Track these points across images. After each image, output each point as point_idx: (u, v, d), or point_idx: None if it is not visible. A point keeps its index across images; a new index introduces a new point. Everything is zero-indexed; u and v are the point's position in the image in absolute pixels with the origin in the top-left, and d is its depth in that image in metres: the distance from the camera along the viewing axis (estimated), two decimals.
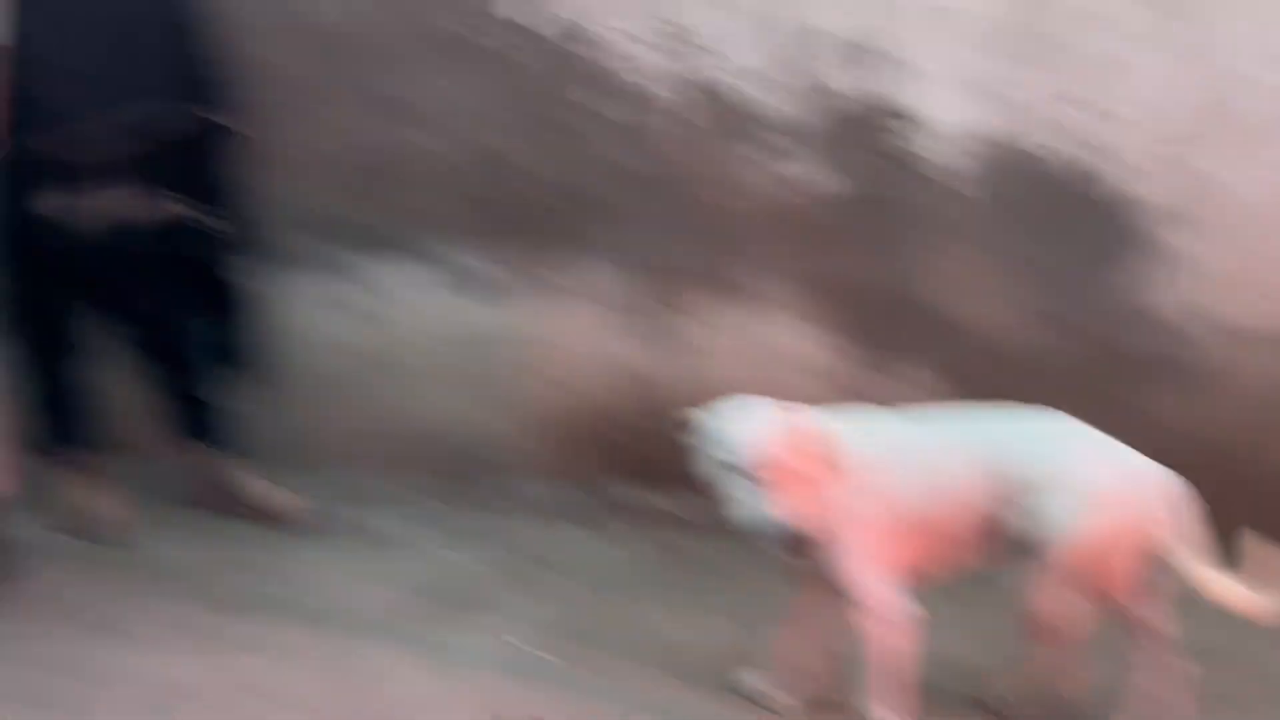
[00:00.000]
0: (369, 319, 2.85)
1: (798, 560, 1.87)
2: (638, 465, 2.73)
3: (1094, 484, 1.83)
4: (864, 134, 2.59)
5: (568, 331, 2.76)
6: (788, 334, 2.69)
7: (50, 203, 2.34)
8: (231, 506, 2.66)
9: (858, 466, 1.81)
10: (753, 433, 1.74)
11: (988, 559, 1.93)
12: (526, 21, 2.64)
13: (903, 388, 2.61)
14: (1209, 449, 2.40)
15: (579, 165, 2.70)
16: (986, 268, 2.60)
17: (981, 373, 2.56)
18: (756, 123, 2.62)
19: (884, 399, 2.28)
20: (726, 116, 2.62)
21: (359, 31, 2.71)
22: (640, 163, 2.68)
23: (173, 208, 2.45)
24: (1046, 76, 2.47)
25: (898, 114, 2.56)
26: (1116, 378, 2.54)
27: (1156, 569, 1.84)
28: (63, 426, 2.58)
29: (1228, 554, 1.84)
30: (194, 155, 2.48)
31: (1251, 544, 1.82)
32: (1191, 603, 1.83)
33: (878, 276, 2.64)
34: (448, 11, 2.68)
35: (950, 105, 2.52)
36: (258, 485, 2.68)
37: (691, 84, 2.61)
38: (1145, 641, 1.90)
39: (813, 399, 1.98)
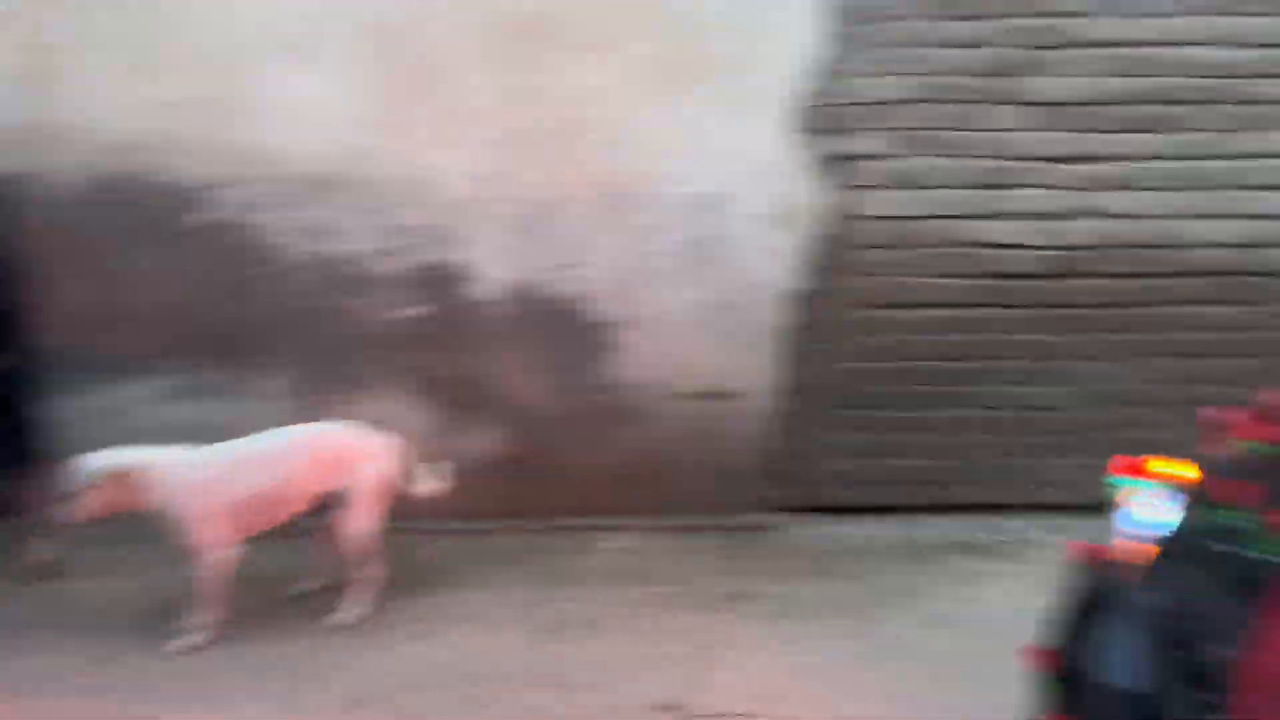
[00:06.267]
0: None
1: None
2: None
3: (370, 452, 3.43)
4: (438, 283, 4.05)
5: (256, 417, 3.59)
6: (399, 409, 4.08)
7: None
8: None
9: (186, 476, 3.16)
10: (88, 466, 3.11)
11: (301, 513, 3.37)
12: (215, 215, 3.93)
13: (474, 438, 4.14)
14: (650, 456, 4.16)
15: (255, 309, 4.05)
16: (523, 363, 4.11)
17: (524, 424, 4.16)
18: (371, 280, 4.04)
19: (459, 450, 3.94)
20: (351, 276, 4.04)
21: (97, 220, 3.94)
22: (298, 304, 4.06)
23: None
24: (547, 251, 4.02)
25: (461, 273, 4.03)
26: (604, 421, 4.16)
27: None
28: None
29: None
30: None
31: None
32: None
33: (456, 371, 4.11)
34: (157, 208, 3.92)
35: (493, 266, 4.03)
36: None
37: (325, 257, 4.02)
38: (373, 548, 3.43)
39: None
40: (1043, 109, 3.90)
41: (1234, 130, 3.89)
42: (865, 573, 3.79)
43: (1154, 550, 1.99)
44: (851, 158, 3.94)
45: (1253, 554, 1.72)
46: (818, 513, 4.21)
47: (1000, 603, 3.49)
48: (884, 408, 4.13)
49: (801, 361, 4.09)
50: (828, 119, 3.91)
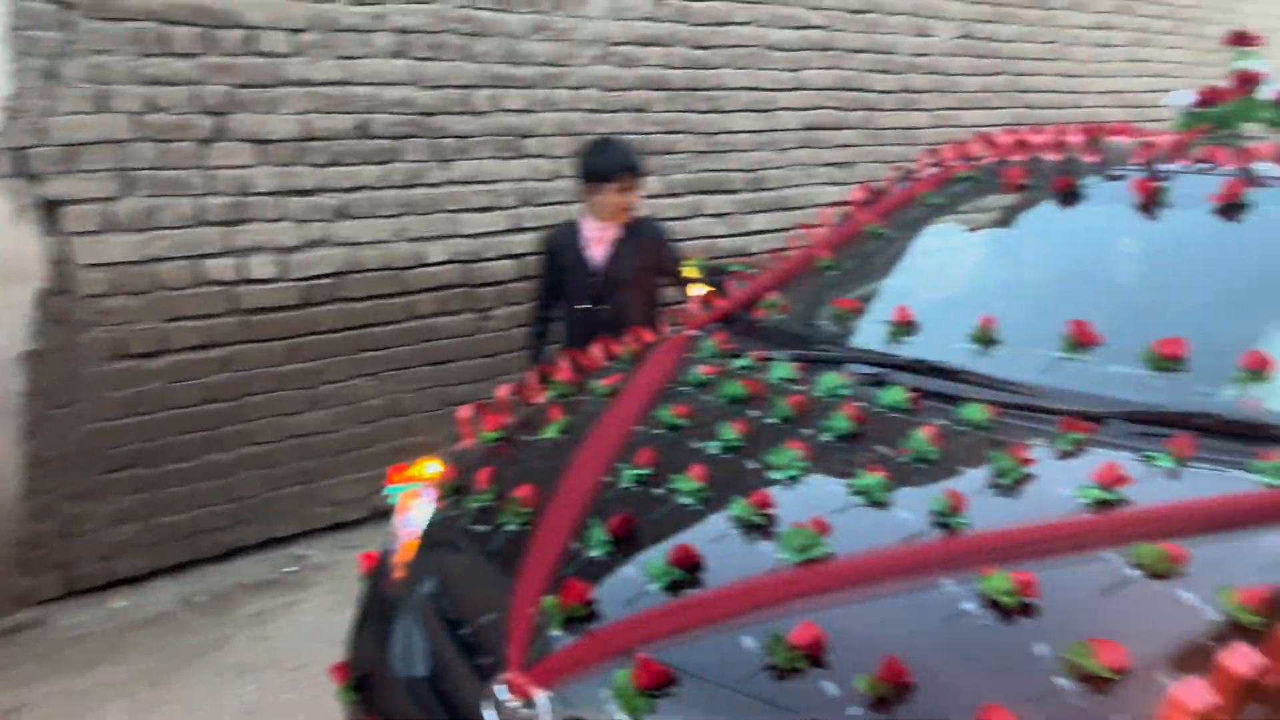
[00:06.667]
0: None
1: None
2: None
3: None
4: None
5: None
6: None
7: None
8: None
9: None
10: None
11: None
12: None
13: None
14: None
15: None
16: None
17: None
18: None
19: None
20: None
21: None
22: None
23: None
24: None
25: None
26: None
27: None
28: None
29: None
30: None
31: None
32: None
33: None
34: None
35: None
36: None
37: None
38: None
39: None
40: (268, 145, 3.99)
41: (433, 160, 4.40)
42: (158, 641, 3.54)
43: (421, 544, 2.20)
44: (69, 202, 3.61)
45: (503, 528, 1.99)
46: (96, 592, 3.81)
47: (305, 631, 3.54)
48: (152, 464, 3.89)
49: (45, 430, 3.66)
50: (34, 162, 3.53)
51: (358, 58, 4.18)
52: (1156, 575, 1.56)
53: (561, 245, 3.72)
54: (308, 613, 3.70)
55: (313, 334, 4.19)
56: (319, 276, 4.17)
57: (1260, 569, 1.58)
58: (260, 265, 4.02)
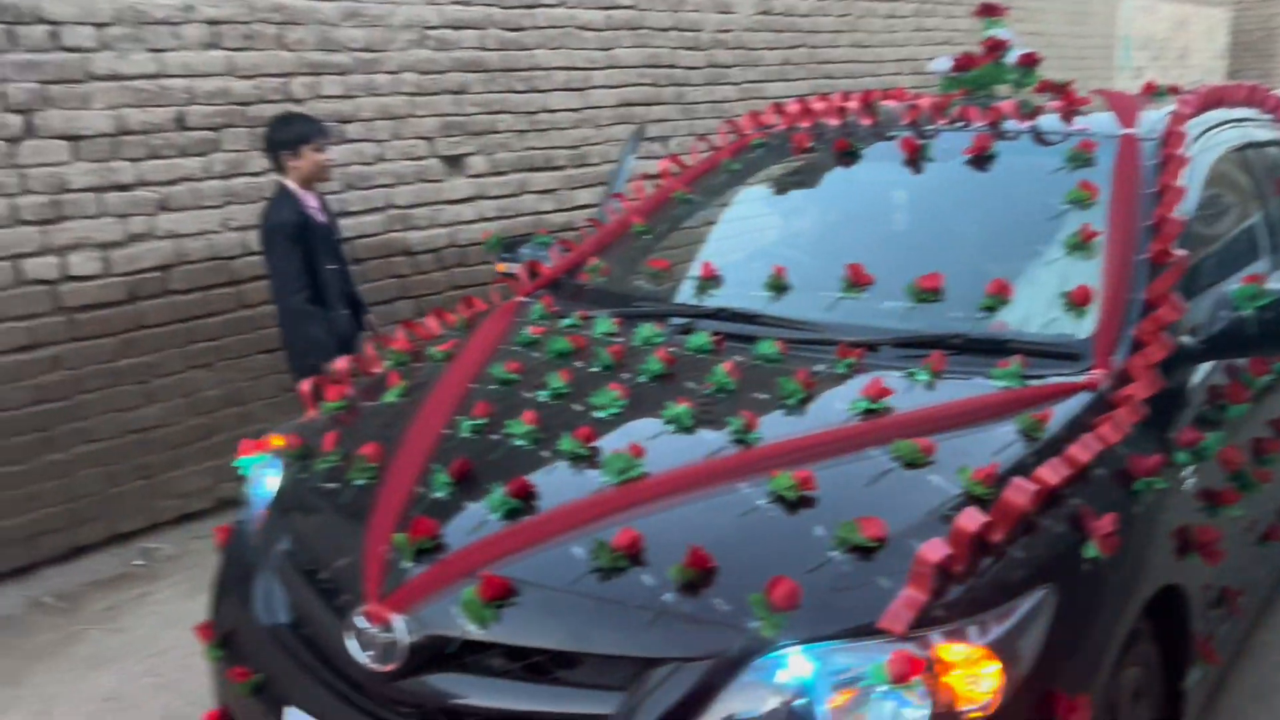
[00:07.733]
0: None
1: None
2: None
3: None
4: None
5: None
6: None
7: None
8: None
9: None
10: None
11: None
12: None
13: None
14: None
15: None
16: None
17: None
18: None
19: None
20: None
21: None
22: None
23: None
24: None
25: None
26: None
27: None
28: None
29: None
30: None
31: None
32: None
33: None
34: None
35: None
36: None
37: None
38: None
39: None
40: (81, 142, 3.93)
41: (254, 149, 4.41)
42: (5, 644, 3.51)
43: (274, 508, 2.34)
44: None
45: (352, 483, 2.16)
46: None
47: (160, 620, 3.59)
48: None
49: None
50: None
51: (169, 50, 4.16)
52: (911, 465, 1.88)
53: (298, 218, 3.78)
54: (161, 603, 3.73)
55: (143, 328, 4.17)
56: (145, 270, 4.16)
57: (993, 453, 1.92)
58: (82, 262, 3.98)
